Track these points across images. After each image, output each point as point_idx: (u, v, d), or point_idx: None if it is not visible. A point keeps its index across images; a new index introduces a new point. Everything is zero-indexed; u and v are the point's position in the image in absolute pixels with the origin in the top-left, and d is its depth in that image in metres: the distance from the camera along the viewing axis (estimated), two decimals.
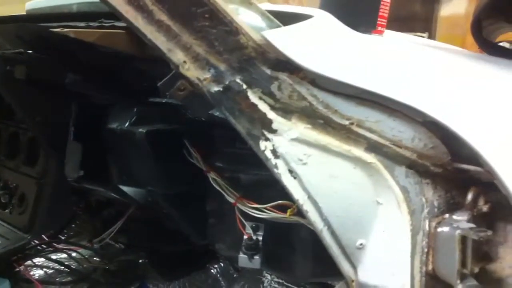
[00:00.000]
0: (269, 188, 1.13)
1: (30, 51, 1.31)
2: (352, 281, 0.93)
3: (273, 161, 0.90)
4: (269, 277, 2.06)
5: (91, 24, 1.14)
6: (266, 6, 1.09)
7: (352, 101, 0.91)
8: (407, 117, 0.91)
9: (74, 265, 1.94)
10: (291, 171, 0.90)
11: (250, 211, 1.21)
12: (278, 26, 0.96)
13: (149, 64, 1.12)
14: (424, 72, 1.01)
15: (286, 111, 0.90)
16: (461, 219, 0.88)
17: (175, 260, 1.87)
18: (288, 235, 1.26)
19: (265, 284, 2.06)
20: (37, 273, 1.90)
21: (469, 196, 0.90)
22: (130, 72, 1.27)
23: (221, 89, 0.88)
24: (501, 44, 1.62)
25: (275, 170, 0.90)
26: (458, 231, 0.86)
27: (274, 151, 0.89)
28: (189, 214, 1.43)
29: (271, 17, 0.98)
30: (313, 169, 0.90)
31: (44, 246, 1.91)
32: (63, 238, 1.99)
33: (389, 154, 0.91)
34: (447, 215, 0.92)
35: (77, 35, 1.11)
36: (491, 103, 0.99)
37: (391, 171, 0.91)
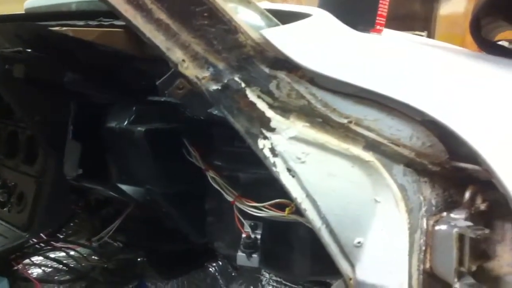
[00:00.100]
0: (267, 186, 1.13)
1: (29, 50, 1.30)
2: (350, 279, 0.94)
3: (272, 159, 0.90)
4: (267, 275, 2.06)
5: (90, 22, 1.14)
6: (265, 5, 1.09)
7: (351, 100, 0.91)
8: (405, 115, 0.91)
9: (72, 263, 1.94)
10: (289, 170, 0.90)
11: (249, 210, 1.21)
12: (277, 25, 0.96)
13: (148, 63, 1.12)
14: (423, 71, 1.01)
15: (284, 110, 0.91)
16: (458, 217, 0.88)
17: (173, 259, 1.87)
18: (287, 233, 1.26)
19: (263, 283, 2.06)
20: (35, 271, 1.89)
21: (467, 195, 0.90)
22: (129, 71, 1.27)
23: (219, 88, 0.88)
24: (500, 43, 1.62)
25: (274, 168, 0.90)
26: (455, 229, 0.86)
27: (272, 150, 0.90)
28: (188, 212, 1.43)
29: (270, 15, 0.98)
30: (312, 168, 0.91)
31: (43, 245, 1.90)
32: (61, 236, 1.98)
33: (387, 152, 0.91)
34: (444, 214, 0.92)
35: (76, 34, 1.11)
36: (490, 102, 0.99)
37: (389, 170, 0.91)
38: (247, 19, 0.92)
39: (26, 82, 1.36)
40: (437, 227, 0.90)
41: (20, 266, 1.76)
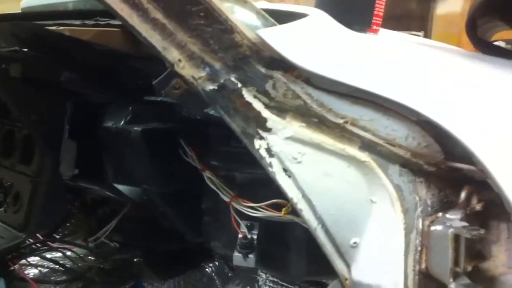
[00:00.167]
0: (264, 186, 1.13)
1: (26, 49, 1.30)
2: (346, 279, 0.94)
3: (268, 159, 0.90)
4: (264, 275, 2.06)
5: (87, 22, 1.13)
6: (262, 5, 1.09)
7: (347, 100, 0.91)
8: (401, 115, 0.91)
9: (69, 264, 1.94)
10: (285, 170, 0.90)
11: (245, 210, 1.21)
12: (273, 25, 0.96)
13: (145, 62, 1.12)
14: (418, 71, 1.01)
15: (280, 110, 0.91)
16: (454, 217, 0.89)
17: (170, 259, 1.87)
18: (283, 233, 1.26)
19: (260, 283, 2.06)
20: (32, 272, 1.89)
21: (462, 195, 0.90)
22: (126, 70, 1.27)
23: (216, 88, 0.88)
24: (496, 43, 1.63)
25: (270, 168, 0.90)
26: (451, 230, 0.86)
27: (268, 150, 0.90)
28: (184, 212, 1.43)
29: (266, 15, 0.98)
30: (308, 168, 0.91)
31: (39, 245, 1.90)
32: (58, 236, 1.98)
33: (383, 152, 0.91)
34: (440, 214, 0.92)
35: (72, 33, 1.11)
36: (485, 102, 1.00)
37: (385, 170, 0.91)
38: (243, 19, 0.92)
39: (23, 81, 1.36)
40: (432, 228, 0.91)
41: (16, 267, 1.75)
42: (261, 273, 2.07)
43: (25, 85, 1.42)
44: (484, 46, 1.47)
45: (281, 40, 0.89)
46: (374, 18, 1.20)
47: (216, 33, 0.86)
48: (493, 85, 1.09)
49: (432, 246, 0.90)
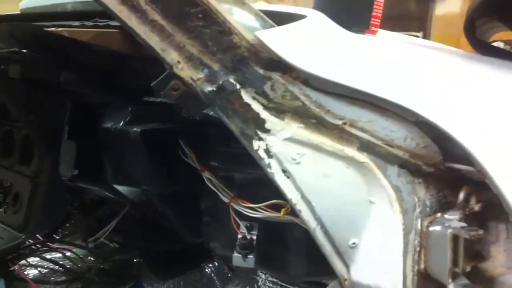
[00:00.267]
0: (263, 187, 1.13)
1: (25, 50, 1.30)
2: (345, 280, 0.94)
3: (267, 160, 0.90)
4: (263, 276, 2.06)
5: (86, 23, 1.14)
6: (261, 6, 1.09)
7: (345, 101, 0.91)
8: (399, 116, 0.91)
9: (68, 264, 1.94)
10: (284, 171, 0.90)
11: (244, 211, 1.21)
12: (272, 26, 0.96)
13: (144, 63, 1.12)
14: (417, 72, 1.01)
15: (279, 111, 0.91)
16: (453, 218, 0.89)
17: (169, 259, 1.87)
18: (282, 234, 1.27)
19: (259, 283, 2.06)
20: (31, 272, 1.90)
21: (461, 195, 0.90)
22: (125, 71, 1.27)
23: (214, 89, 0.88)
24: (495, 44, 1.62)
25: (269, 169, 0.90)
26: (449, 230, 0.86)
27: (267, 151, 0.90)
28: (184, 212, 1.44)
29: (265, 17, 0.99)
30: (306, 169, 0.91)
31: (39, 246, 1.91)
32: (57, 237, 1.99)
33: (381, 153, 0.92)
34: (439, 214, 0.92)
35: (71, 34, 1.11)
36: (483, 103, 1.00)
37: (383, 171, 0.92)
38: (241, 20, 0.92)
39: (22, 82, 1.36)
40: (431, 228, 0.91)
41: (16, 267, 1.76)
42: (260, 274, 2.07)
43: (24, 86, 1.42)
44: (482, 47, 1.47)
45: (280, 41, 0.89)
46: (372, 19, 1.21)
47: (215, 34, 0.86)
48: (492, 86, 1.09)
49: (431, 247, 0.90)
